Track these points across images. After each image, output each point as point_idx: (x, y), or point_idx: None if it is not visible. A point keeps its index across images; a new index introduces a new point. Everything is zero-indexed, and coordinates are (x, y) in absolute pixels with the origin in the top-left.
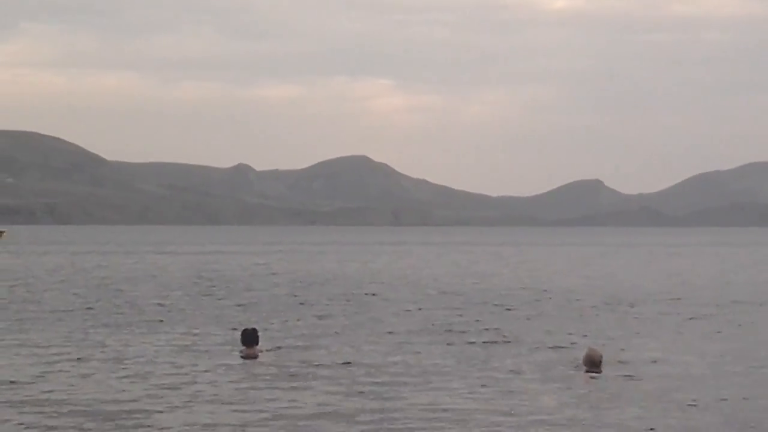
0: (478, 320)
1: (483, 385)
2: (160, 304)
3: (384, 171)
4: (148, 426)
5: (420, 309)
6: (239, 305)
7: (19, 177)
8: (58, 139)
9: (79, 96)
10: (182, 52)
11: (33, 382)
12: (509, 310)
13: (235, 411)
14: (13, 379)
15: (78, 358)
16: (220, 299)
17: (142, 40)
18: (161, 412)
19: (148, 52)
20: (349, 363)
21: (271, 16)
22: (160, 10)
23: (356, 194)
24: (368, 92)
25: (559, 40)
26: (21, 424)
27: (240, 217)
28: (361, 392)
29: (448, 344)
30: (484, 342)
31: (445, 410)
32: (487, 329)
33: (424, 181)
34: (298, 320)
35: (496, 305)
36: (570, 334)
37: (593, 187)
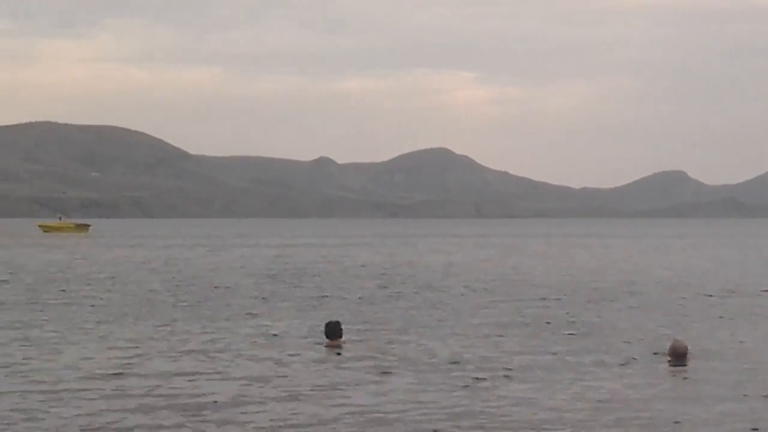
0: (564, 312)
1: (569, 378)
2: (245, 297)
3: (465, 163)
4: (234, 420)
5: (505, 301)
6: (323, 297)
7: (105, 171)
8: (143, 133)
9: (163, 90)
10: (264, 46)
11: (121, 374)
12: (595, 301)
13: (318, 405)
14: (101, 371)
15: (165, 351)
16: (304, 291)
17: (224, 35)
18: (246, 405)
19: (230, 47)
20: (434, 356)
21: (352, 9)
22: (241, 5)
23: (437, 187)
24: (449, 84)
25: (642, 30)
26: (109, 417)
27: (321, 210)
28: (448, 386)
29: (534, 336)
30: (570, 334)
31: (532, 404)
32: (573, 321)
33: (506, 173)
34: (382, 313)
35: (581, 297)
36: (656, 325)
37: (677, 179)
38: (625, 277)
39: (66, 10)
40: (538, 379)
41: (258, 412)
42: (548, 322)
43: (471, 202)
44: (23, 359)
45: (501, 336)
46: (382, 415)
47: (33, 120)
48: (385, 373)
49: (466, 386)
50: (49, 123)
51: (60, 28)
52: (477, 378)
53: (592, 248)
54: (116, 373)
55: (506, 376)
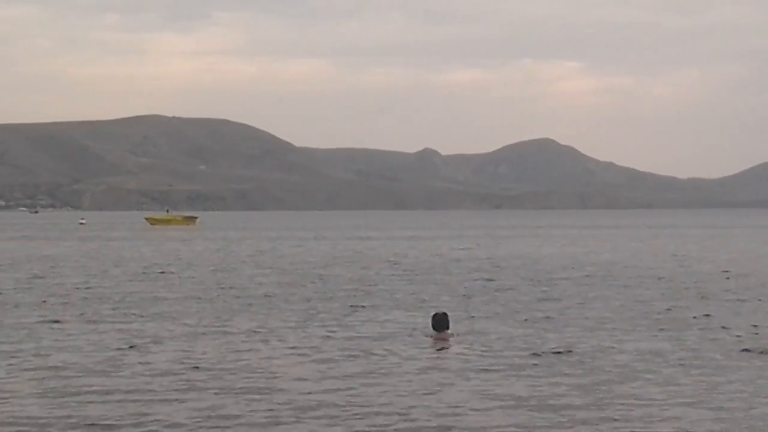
0: (677, 306)
1: (685, 376)
2: (351, 288)
3: (570, 154)
4: (339, 418)
5: (618, 294)
6: (431, 288)
7: (211, 164)
8: (249, 126)
9: (269, 83)
10: (370, 38)
11: (227, 370)
12: (709, 296)
13: (425, 400)
14: (202, 365)
15: (267, 347)
16: (412, 283)
17: (330, 27)
18: (352, 405)
19: (336, 39)
20: (543, 351)
21: (457, 1)
22: None
23: (542, 177)
24: (554, 75)
25: (752, 18)
26: (208, 409)
27: (426, 202)
28: (559, 382)
29: (648, 332)
30: (684, 329)
31: (650, 403)
32: (687, 316)
33: (611, 164)
34: (490, 305)
35: (695, 290)
36: None
37: None
38: (737, 268)
39: (174, 4)
40: (654, 377)
41: (364, 408)
42: (659, 317)
43: (575, 193)
44: (125, 351)
45: (612, 330)
46: (491, 410)
47: (141, 114)
48: (493, 367)
49: (578, 383)
50: (157, 116)
51: (168, 22)
52: (589, 374)
53: (702, 240)
54: (222, 369)
55: (620, 373)
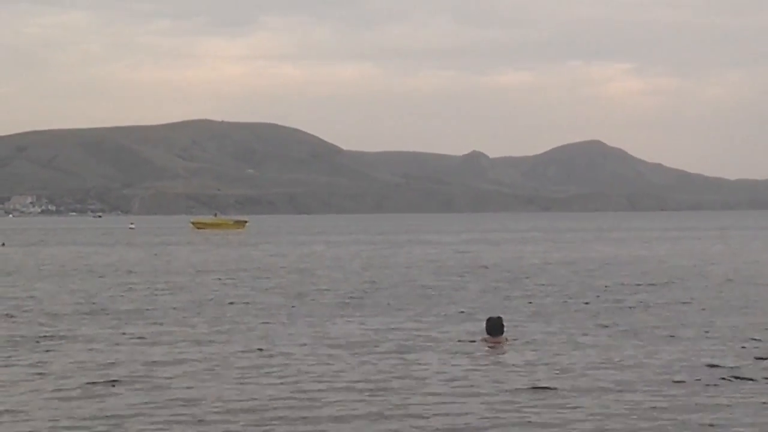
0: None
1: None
2: (405, 293)
3: (618, 156)
4: (397, 417)
5: (688, 302)
6: (486, 292)
7: (260, 168)
8: (297, 130)
9: (317, 87)
10: (418, 41)
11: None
12: None
13: (472, 407)
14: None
15: (316, 351)
16: (470, 287)
17: (379, 30)
18: (405, 402)
19: (384, 42)
20: (600, 363)
21: (506, 3)
22: (397, 0)
23: (590, 180)
24: (603, 76)
25: None
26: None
27: (474, 204)
28: (608, 397)
29: (734, 346)
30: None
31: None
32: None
33: (660, 166)
34: (547, 311)
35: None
36: None
37: None
38: None
39: (224, 8)
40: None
41: (417, 408)
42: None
43: (624, 194)
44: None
45: (673, 343)
46: (538, 423)
47: (190, 118)
48: (546, 375)
49: (636, 404)
50: (205, 121)
51: (218, 27)
52: (646, 389)
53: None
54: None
55: (688, 393)
